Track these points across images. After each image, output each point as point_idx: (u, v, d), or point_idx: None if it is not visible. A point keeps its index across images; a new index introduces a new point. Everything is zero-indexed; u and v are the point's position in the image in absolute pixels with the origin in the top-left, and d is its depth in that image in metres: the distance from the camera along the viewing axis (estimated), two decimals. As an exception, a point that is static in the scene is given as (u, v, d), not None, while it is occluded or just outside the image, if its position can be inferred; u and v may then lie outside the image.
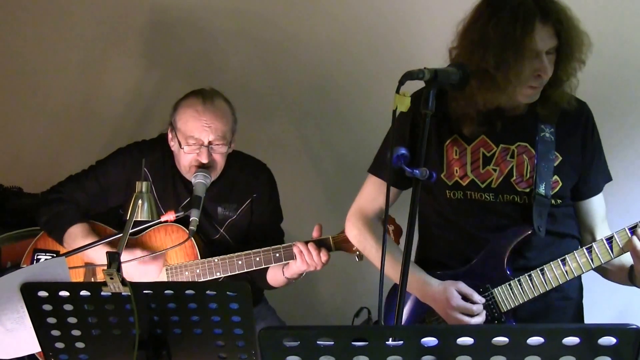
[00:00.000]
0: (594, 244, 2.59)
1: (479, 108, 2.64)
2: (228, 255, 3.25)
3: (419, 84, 2.19)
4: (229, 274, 3.25)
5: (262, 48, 4.24)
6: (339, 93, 4.20)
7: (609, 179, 2.83)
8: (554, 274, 2.61)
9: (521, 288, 2.64)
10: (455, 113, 2.70)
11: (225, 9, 4.24)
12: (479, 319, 2.65)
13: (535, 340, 1.71)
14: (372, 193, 2.88)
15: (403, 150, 2.12)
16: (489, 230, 2.72)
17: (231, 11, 4.23)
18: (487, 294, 2.69)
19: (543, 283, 2.62)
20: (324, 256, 3.14)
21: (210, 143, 3.22)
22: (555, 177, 2.70)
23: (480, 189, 2.72)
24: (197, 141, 3.22)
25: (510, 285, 2.66)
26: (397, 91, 2.08)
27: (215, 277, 3.26)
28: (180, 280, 3.28)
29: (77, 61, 4.42)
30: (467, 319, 2.64)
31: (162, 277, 3.30)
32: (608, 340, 1.70)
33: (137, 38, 4.36)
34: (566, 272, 2.60)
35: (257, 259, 3.21)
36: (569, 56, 2.58)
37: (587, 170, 2.76)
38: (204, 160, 3.21)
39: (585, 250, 2.59)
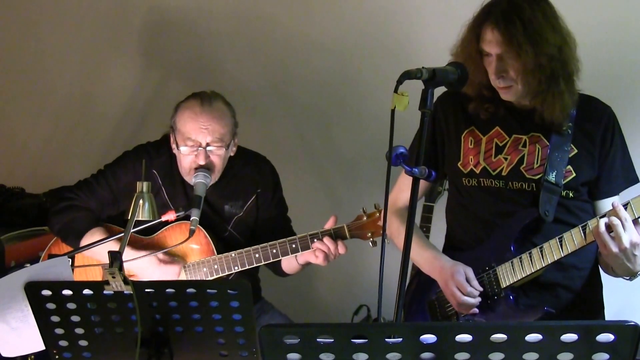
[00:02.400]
0: (588, 222, 2.64)
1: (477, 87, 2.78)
2: (245, 249, 3.26)
3: (418, 84, 2.19)
4: (247, 267, 3.27)
5: (260, 49, 4.26)
6: (337, 93, 4.22)
7: (631, 183, 2.85)
8: (550, 250, 2.67)
9: (521, 265, 2.73)
10: (466, 97, 2.83)
11: (223, 11, 4.26)
12: (470, 300, 2.76)
13: (533, 337, 1.72)
14: (401, 185, 2.99)
15: (402, 149, 2.15)
16: (500, 216, 2.81)
17: (229, 13, 4.25)
18: (490, 271, 2.79)
19: (540, 259, 2.69)
20: (341, 249, 3.17)
21: (207, 145, 3.23)
22: (569, 167, 2.75)
23: (492, 176, 2.81)
24: (194, 143, 3.23)
25: (512, 262, 2.75)
26: (396, 90, 2.10)
27: (233, 271, 3.28)
28: (199, 276, 3.30)
29: (78, 63, 4.44)
30: (459, 294, 2.76)
31: (182, 276, 3.32)
32: (606, 337, 1.71)
33: (136, 39, 4.38)
34: (562, 248, 2.66)
35: (274, 250, 3.23)
36: (522, 63, 2.62)
37: (603, 172, 2.80)
38: (202, 162, 3.22)
39: (580, 227, 2.64)
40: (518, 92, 2.70)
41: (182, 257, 3.33)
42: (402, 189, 2.96)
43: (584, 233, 2.63)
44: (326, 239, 3.15)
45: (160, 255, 3.26)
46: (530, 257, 2.71)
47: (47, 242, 3.42)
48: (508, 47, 2.61)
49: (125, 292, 2.24)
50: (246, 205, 3.43)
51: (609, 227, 2.56)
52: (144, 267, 3.23)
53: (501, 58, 2.65)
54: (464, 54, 2.69)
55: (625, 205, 2.57)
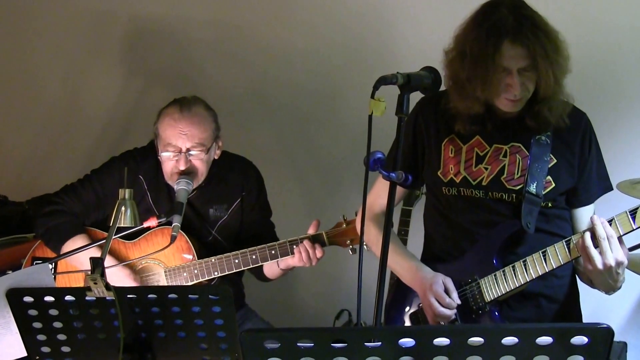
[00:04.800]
0: (572, 237, 2.64)
1: (466, 111, 2.73)
2: (225, 255, 3.29)
3: (396, 89, 2.21)
4: (227, 272, 3.29)
5: (241, 56, 4.28)
6: (317, 99, 4.25)
7: (606, 190, 2.87)
8: (534, 264, 2.67)
9: (505, 278, 2.72)
10: (450, 113, 2.79)
11: (204, 19, 4.28)
12: (447, 312, 2.76)
13: (509, 340, 1.74)
14: (378, 190, 2.97)
15: (379, 155, 2.16)
16: (481, 226, 2.81)
17: (209, 20, 4.28)
18: (473, 283, 2.78)
19: (524, 273, 2.69)
20: (318, 252, 3.20)
21: (188, 150, 3.25)
22: (549, 177, 2.75)
23: (472, 185, 2.80)
24: (175, 148, 3.25)
25: (495, 275, 2.75)
26: (372, 96, 2.11)
27: (212, 276, 3.30)
28: (179, 281, 3.31)
29: (61, 71, 4.45)
30: (436, 305, 2.75)
31: (162, 280, 3.33)
32: (580, 339, 1.72)
33: (118, 47, 4.39)
34: (546, 263, 2.66)
35: (254, 256, 3.26)
36: (545, 72, 2.60)
37: (581, 181, 2.81)
38: (182, 167, 3.24)
39: (564, 242, 2.65)
40: (526, 100, 2.68)
41: (162, 261, 3.34)
42: (379, 194, 2.95)
43: (568, 248, 2.63)
44: (306, 242, 3.18)
45: (129, 274, 3.29)
46: (514, 271, 2.71)
47: (29, 250, 3.42)
48: (533, 60, 2.57)
49: (107, 298, 2.25)
50: (231, 208, 3.44)
51: (595, 242, 2.55)
52: (114, 279, 3.21)
53: (522, 71, 2.60)
54: (473, 71, 2.61)
55: (610, 222, 2.56)
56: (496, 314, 2.77)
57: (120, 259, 3.33)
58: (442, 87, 2.40)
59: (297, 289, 4.42)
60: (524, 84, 2.62)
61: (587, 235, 2.57)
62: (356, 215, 3.20)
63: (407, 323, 2.97)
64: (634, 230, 2.55)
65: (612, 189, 2.88)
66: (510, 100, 2.65)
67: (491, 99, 2.67)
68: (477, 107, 2.70)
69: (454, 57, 2.68)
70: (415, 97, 2.41)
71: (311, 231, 3.23)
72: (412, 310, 2.96)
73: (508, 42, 2.56)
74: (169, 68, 4.36)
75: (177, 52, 4.34)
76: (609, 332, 1.72)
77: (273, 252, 3.23)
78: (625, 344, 3.63)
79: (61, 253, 3.29)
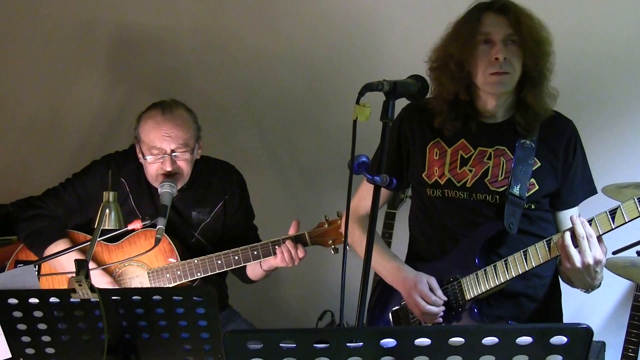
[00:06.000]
0: (553, 237, 2.67)
1: (447, 99, 2.78)
2: (207, 256, 3.30)
3: (381, 95, 2.23)
4: (209, 273, 3.30)
5: (226, 63, 4.30)
6: (301, 104, 4.27)
7: (590, 194, 2.90)
8: (515, 263, 2.70)
9: (486, 277, 2.75)
10: (433, 113, 2.84)
11: (189, 27, 4.30)
12: (435, 309, 2.79)
13: (489, 340, 1.75)
14: (363, 192, 3.01)
15: (364, 158, 2.18)
16: (465, 227, 2.84)
17: (195, 29, 4.30)
18: (455, 282, 2.81)
19: (505, 272, 2.72)
20: (300, 252, 3.22)
21: (172, 151, 3.26)
22: (532, 180, 2.78)
23: (456, 187, 2.83)
24: (159, 151, 3.26)
25: (477, 274, 2.78)
26: (357, 102, 2.12)
27: (196, 277, 3.30)
28: (162, 282, 3.32)
29: (46, 77, 4.44)
30: (423, 304, 2.78)
31: (145, 281, 3.34)
32: (559, 339, 1.74)
33: (103, 55, 4.39)
34: (527, 262, 2.69)
35: (236, 257, 3.27)
36: (528, 46, 2.68)
37: (566, 184, 2.84)
38: (168, 168, 3.26)
39: (544, 242, 2.68)
40: (513, 82, 2.73)
41: (145, 262, 3.34)
42: (363, 196, 2.98)
43: (549, 247, 2.66)
44: (288, 242, 3.20)
45: (110, 282, 3.29)
46: (495, 270, 2.74)
47: (13, 252, 3.41)
48: (516, 28, 2.67)
49: (91, 299, 2.26)
50: (213, 211, 3.46)
51: (574, 241, 2.58)
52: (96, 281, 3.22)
53: (506, 43, 2.68)
54: (458, 44, 2.70)
55: (590, 221, 2.59)
56: (475, 311, 2.80)
57: (102, 262, 3.33)
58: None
59: (280, 290, 4.43)
60: (509, 60, 2.67)
61: (567, 234, 2.59)
62: (338, 215, 3.22)
63: (390, 320, 3.00)
64: (613, 229, 2.58)
65: (596, 193, 2.91)
66: (495, 74, 2.69)
67: (479, 72, 2.71)
68: (460, 89, 2.75)
69: (442, 43, 2.78)
70: (402, 102, 2.42)
71: (292, 232, 3.24)
72: (394, 308, 2.99)
73: (490, 12, 2.69)
74: (154, 75, 4.36)
75: (161, 59, 4.34)
76: (587, 332, 1.73)
77: (255, 252, 3.25)
78: (603, 344, 3.67)
79: (44, 256, 3.28)
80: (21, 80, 4.45)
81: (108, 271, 3.34)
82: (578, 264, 2.57)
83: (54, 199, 3.40)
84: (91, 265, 3.01)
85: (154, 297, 2.26)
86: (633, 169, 3.55)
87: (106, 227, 2.75)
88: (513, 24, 2.68)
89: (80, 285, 2.24)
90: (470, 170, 2.83)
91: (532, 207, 2.82)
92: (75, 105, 4.44)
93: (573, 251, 2.58)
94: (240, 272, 3.46)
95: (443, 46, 2.77)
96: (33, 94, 4.46)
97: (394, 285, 2.92)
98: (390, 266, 2.94)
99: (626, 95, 3.82)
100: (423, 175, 2.89)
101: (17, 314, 2.31)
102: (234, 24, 4.27)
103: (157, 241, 3.06)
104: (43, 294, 2.31)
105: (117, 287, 3.31)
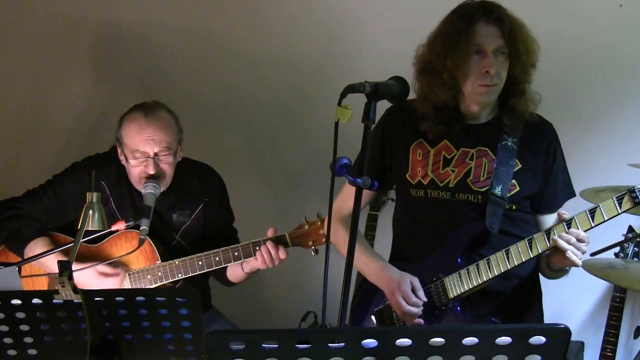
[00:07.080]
0: (534, 236, 2.73)
1: (435, 104, 2.79)
2: (188, 257, 3.30)
3: (363, 97, 2.24)
4: (190, 274, 3.30)
5: (210, 64, 4.30)
6: (284, 105, 4.28)
7: (569, 197, 2.95)
8: (497, 262, 2.75)
9: (469, 276, 2.79)
10: (417, 115, 2.86)
11: (174, 26, 4.29)
12: (414, 309, 2.81)
13: (469, 340, 1.76)
14: (346, 193, 3.01)
15: (345, 160, 2.20)
16: (447, 227, 2.87)
17: (180, 27, 4.29)
18: (438, 282, 2.84)
19: (487, 271, 2.76)
20: (282, 254, 3.22)
21: (156, 154, 3.26)
22: (514, 181, 2.82)
23: (439, 187, 2.86)
24: (143, 154, 3.26)
25: (459, 274, 2.81)
26: (339, 104, 2.14)
27: (177, 278, 3.31)
28: (143, 284, 3.32)
29: (29, 75, 4.42)
30: (404, 304, 2.81)
31: (126, 283, 3.33)
32: (538, 339, 1.75)
33: (87, 53, 4.38)
34: (509, 261, 2.74)
35: (217, 258, 3.27)
36: (520, 59, 2.71)
37: (547, 188, 2.88)
38: (152, 172, 3.26)
39: (526, 241, 2.73)
40: (499, 91, 2.76)
41: (126, 264, 3.34)
42: (347, 196, 2.98)
43: (530, 246, 2.71)
44: (268, 243, 3.21)
45: (100, 267, 3.27)
46: (478, 268, 2.77)
47: (-5, 254, 3.41)
48: (509, 40, 2.69)
49: (74, 300, 2.26)
50: (194, 214, 3.46)
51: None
52: (82, 280, 3.21)
53: (496, 54, 2.70)
54: (455, 58, 2.70)
55: (570, 220, 2.68)
56: (458, 309, 2.83)
57: (82, 262, 3.32)
58: (411, 96, 2.44)
59: (264, 291, 4.44)
60: (498, 72, 2.70)
61: (562, 224, 2.68)
62: (318, 217, 3.23)
63: (373, 320, 3.01)
64: (592, 227, 2.67)
65: (575, 195, 2.95)
66: (484, 86, 2.72)
67: (468, 82, 2.72)
68: (449, 97, 2.77)
69: (429, 48, 2.77)
70: (385, 103, 2.44)
71: (269, 235, 3.25)
72: (377, 307, 3.00)
73: (482, 22, 2.68)
74: (138, 74, 4.36)
75: (146, 58, 4.34)
76: (565, 332, 1.74)
77: (236, 253, 3.26)
78: (582, 344, 3.71)
79: (24, 255, 3.28)
80: (4, 79, 4.44)
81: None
82: (573, 239, 2.66)
83: (32, 200, 3.40)
84: (79, 265, 3.01)
85: (138, 298, 2.26)
86: (609, 173, 3.59)
87: (89, 228, 2.75)
88: (506, 36, 2.69)
89: (63, 286, 2.24)
90: (453, 171, 2.86)
91: (514, 207, 2.85)
92: (59, 105, 4.42)
93: (569, 233, 2.67)
94: (221, 275, 3.46)
95: (436, 53, 2.75)
96: (16, 94, 4.44)
97: (377, 284, 2.94)
98: (374, 265, 2.96)
99: (602, 101, 3.87)
100: (406, 175, 2.91)
101: (-1, 315, 2.30)
102: (218, 23, 4.27)
103: (141, 242, 3.07)
104: (26, 295, 2.30)
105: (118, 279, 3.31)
